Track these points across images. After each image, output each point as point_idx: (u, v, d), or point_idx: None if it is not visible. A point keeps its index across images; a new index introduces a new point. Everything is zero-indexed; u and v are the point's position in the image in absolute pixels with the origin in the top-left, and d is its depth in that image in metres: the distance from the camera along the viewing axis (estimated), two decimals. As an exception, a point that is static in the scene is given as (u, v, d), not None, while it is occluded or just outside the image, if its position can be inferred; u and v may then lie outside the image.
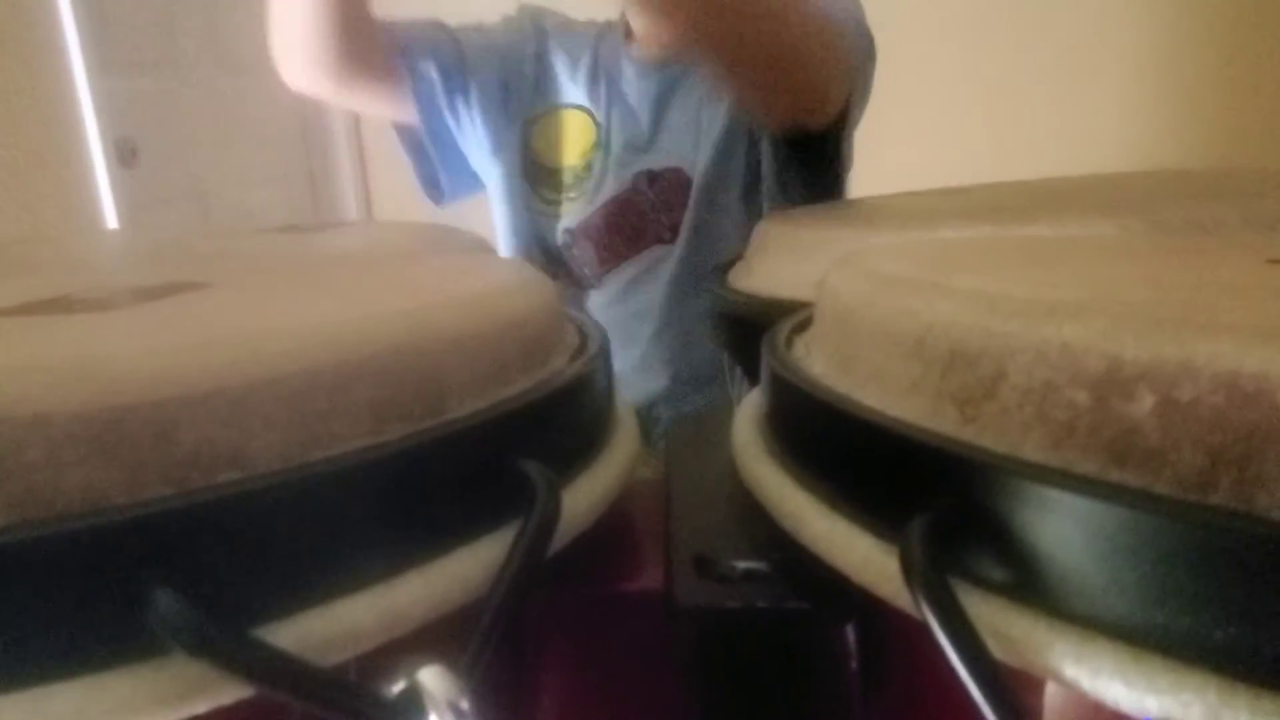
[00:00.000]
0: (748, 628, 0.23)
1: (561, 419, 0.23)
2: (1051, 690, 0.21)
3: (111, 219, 2.02)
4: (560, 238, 0.91)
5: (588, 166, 0.90)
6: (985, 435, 0.20)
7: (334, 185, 2.56)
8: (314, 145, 2.55)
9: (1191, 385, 0.17)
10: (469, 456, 0.20)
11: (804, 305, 0.48)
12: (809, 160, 0.79)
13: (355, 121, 2.52)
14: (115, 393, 0.17)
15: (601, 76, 0.90)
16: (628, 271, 0.88)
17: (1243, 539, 0.15)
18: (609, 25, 0.94)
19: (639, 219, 0.88)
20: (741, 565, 0.24)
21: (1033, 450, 0.19)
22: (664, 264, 0.87)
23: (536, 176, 0.92)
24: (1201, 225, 0.45)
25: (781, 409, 0.26)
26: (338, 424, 0.19)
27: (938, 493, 0.19)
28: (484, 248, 0.59)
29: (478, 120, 0.91)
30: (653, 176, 0.88)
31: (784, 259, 0.58)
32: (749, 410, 0.30)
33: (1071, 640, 0.17)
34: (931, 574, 0.18)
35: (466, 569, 0.20)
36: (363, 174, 2.57)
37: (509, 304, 0.25)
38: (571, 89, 0.91)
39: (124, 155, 2.05)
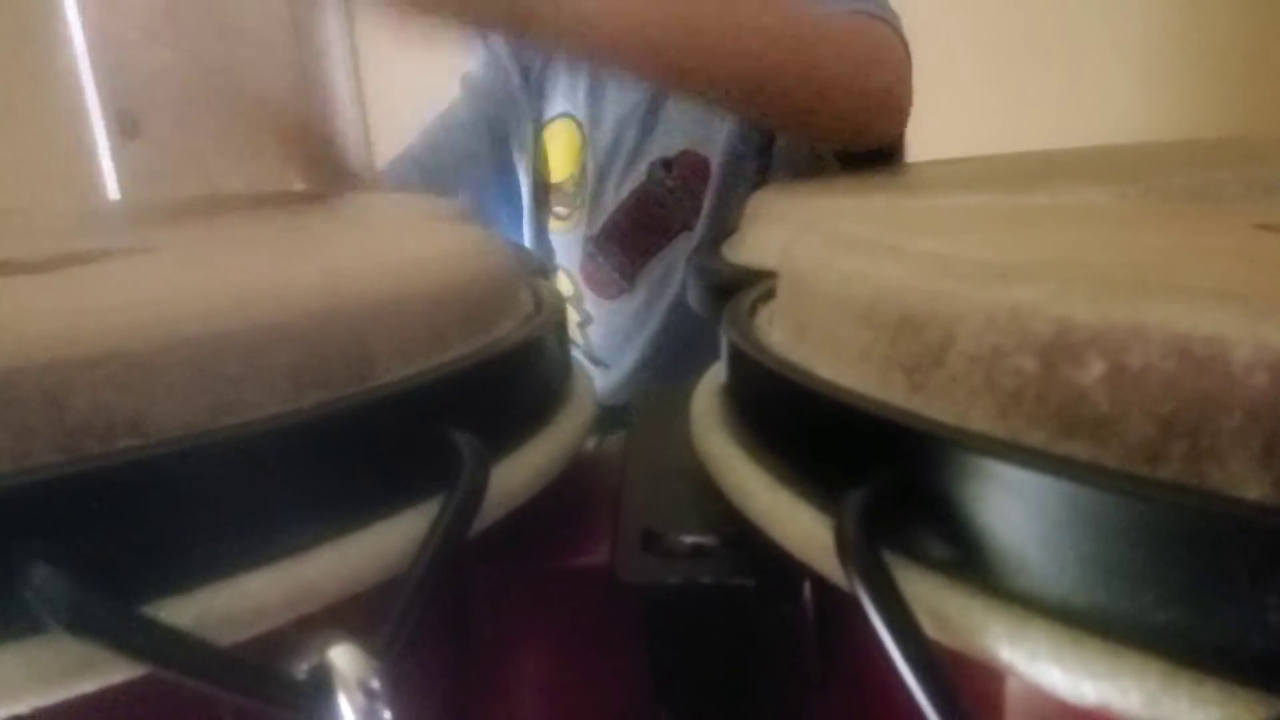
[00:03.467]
0: (692, 604, 0.22)
1: (498, 388, 0.22)
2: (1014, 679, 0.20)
3: (114, 192, 2.02)
4: (584, 248, 0.87)
5: (582, 171, 0.87)
6: (933, 405, 0.19)
7: (338, 158, 2.55)
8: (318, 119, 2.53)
9: (1142, 350, 0.16)
10: (390, 425, 0.19)
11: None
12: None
13: (359, 93, 2.50)
14: (3, 355, 0.16)
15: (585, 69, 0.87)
16: (659, 266, 0.84)
17: (1187, 516, 0.14)
18: None
19: (661, 209, 0.84)
20: (689, 540, 0.23)
21: (980, 420, 0.18)
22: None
23: (547, 197, 0.89)
24: (1200, 192, 0.44)
25: (734, 378, 0.25)
26: (250, 390, 0.18)
27: (879, 464, 0.18)
28: (466, 217, 0.58)
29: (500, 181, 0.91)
30: (667, 163, 0.84)
31: (773, 229, 0.56)
32: (710, 381, 0.29)
33: (1008, 621, 0.16)
34: (865, 549, 0.17)
35: (386, 543, 0.19)
36: (367, 148, 2.55)
37: (447, 269, 0.24)
38: (557, 95, 0.88)
39: (126, 128, 2.04)
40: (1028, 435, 0.17)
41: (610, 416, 0.35)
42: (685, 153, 0.83)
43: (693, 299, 0.63)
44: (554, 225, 0.90)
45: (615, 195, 0.85)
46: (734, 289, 0.53)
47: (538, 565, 0.25)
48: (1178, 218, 0.30)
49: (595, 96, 0.86)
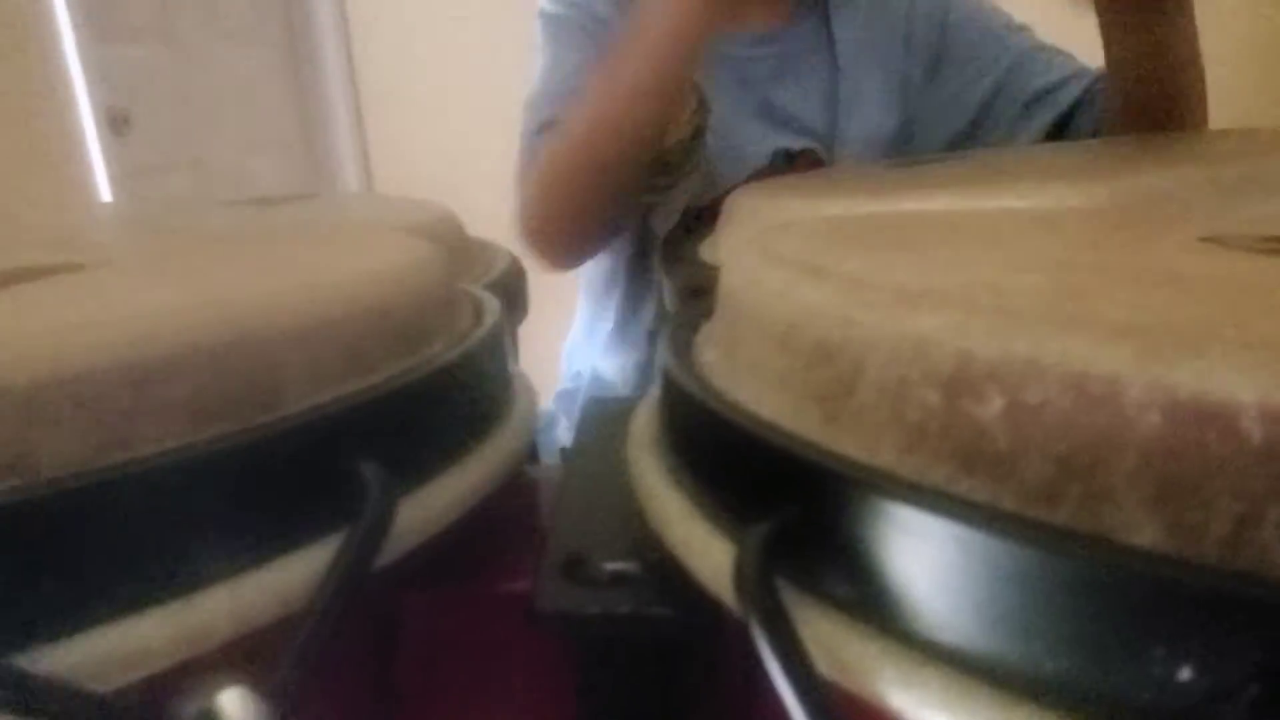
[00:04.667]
0: (610, 634, 0.22)
1: (413, 416, 0.22)
2: None
3: (104, 188, 2.01)
4: (680, 220, 0.81)
5: (695, 133, 0.79)
6: (844, 436, 0.18)
7: (332, 150, 2.54)
8: (311, 110, 2.53)
9: (1039, 386, 0.15)
10: (290, 459, 0.19)
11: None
12: None
13: (352, 85, 2.49)
14: (-124, 396, 0.16)
15: None
16: None
17: (1073, 564, 0.14)
18: None
19: None
20: (612, 567, 0.23)
21: (888, 453, 0.17)
22: None
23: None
24: (1167, 193, 0.43)
25: (664, 398, 0.25)
26: (144, 424, 0.18)
27: (785, 498, 0.18)
28: (447, 222, 0.57)
29: None
30: (790, 156, 0.81)
31: (741, 230, 0.56)
32: (652, 398, 0.28)
33: (902, 665, 0.15)
34: (761, 584, 0.16)
35: (284, 581, 0.18)
36: (361, 138, 2.55)
37: (372, 289, 0.23)
38: None
39: (115, 124, 2.03)
40: (932, 471, 0.17)
41: None
42: (807, 151, 0.81)
43: (665, 297, 0.62)
44: (650, 197, 0.82)
45: (733, 175, 0.79)
46: (700, 292, 0.53)
47: (464, 591, 0.25)
48: (1123, 229, 0.30)
49: (707, 77, 0.79)
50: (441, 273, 0.28)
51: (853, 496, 0.16)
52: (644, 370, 0.87)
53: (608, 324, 0.92)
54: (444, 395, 0.23)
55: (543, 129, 0.78)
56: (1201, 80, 0.69)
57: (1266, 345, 0.14)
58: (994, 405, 0.16)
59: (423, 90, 2.32)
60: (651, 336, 0.88)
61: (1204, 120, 0.70)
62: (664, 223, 0.83)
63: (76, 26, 1.90)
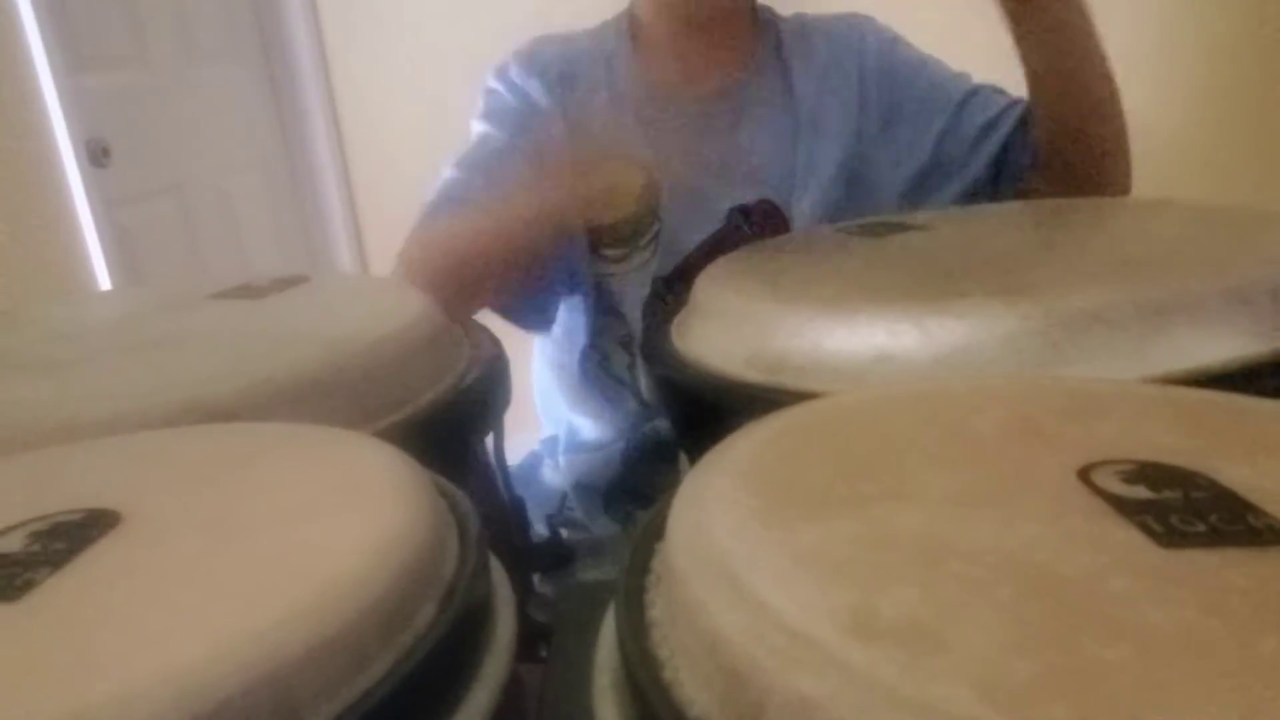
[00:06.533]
0: None
1: (402, 707, 0.26)
2: None
3: (86, 220, 2.03)
4: (653, 286, 0.86)
5: (648, 209, 0.86)
6: (757, 757, 0.23)
7: (312, 167, 2.56)
8: (291, 130, 2.54)
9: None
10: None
11: (732, 382, 0.50)
12: None
13: (332, 102, 2.51)
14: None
15: (628, 109, 0.86)
16: None
17: None
18: (612, 32, 0.89)
19: None
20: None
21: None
22: None
23: (592, 236, 0.87)
24: (1093, 316, 0.47)
25: (619, 655, 0.29)
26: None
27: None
28: (429, 317, 0.61)
29: None
30: (746, 211, 0.87)
31: (715, 326, 0.60)
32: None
33: None
34: None
35: None
36: (341, 154, 2.56)
37: (368, 589, 0.28)
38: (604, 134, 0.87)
39: (95, 155, 2.04)
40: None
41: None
42: (763, 201, 0.87)
43: (644, 386, 0.65)
44: (603, 266, 0.88)
45: (690, 239, 0.86)
46: (677, 389, 0.56)
47: None
48: (1009, 461, 0.33)
49: (652, 128, 0.86)
50: (431, 531, 0.32)
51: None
52: (629, 461, 0.92)
53: (572, 381, 0.95)
54: (431, 674, 0.28)
55: (437, 206, 0.85)
56: (1114, 95, 0.78)
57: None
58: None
59: (400, 106, 2.34)
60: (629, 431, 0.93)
61: (1123, 130, 0.80)
62: (633, 293, 0.88)
63: (52, 57, 1.90)
